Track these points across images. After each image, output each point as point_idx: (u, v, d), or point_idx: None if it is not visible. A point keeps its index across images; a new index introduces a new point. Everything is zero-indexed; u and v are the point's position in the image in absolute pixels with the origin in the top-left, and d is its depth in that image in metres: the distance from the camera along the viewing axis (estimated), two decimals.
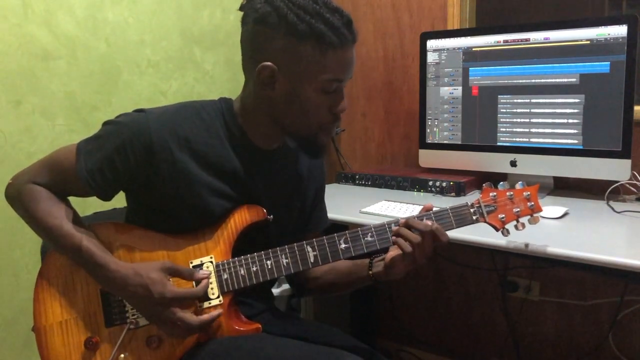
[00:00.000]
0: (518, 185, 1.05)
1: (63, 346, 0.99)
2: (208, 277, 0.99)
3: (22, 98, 1.48)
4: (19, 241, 1.49)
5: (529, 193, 1.04)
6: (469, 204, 1.02)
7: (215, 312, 0.98)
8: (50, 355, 0.99)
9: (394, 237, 0.98)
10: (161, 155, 0.98)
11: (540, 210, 1.04)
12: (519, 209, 1.03)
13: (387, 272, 1.04)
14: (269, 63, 0.94)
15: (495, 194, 1.04)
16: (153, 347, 0.98)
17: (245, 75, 1.03)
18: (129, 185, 1.02)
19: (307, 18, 0.92)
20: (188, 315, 0.95)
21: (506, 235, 1.02)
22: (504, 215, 1.02)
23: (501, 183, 1.05)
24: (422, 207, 1.03)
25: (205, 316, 0.97)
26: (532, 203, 1.03)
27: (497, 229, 1.02)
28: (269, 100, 0.99)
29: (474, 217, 1.02)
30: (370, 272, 1.07)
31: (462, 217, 1.01)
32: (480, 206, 1.02)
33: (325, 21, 0.92)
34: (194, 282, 0.99)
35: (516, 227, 1.03)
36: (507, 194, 1.03)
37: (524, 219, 1.04)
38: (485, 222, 1.02)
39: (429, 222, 0.97)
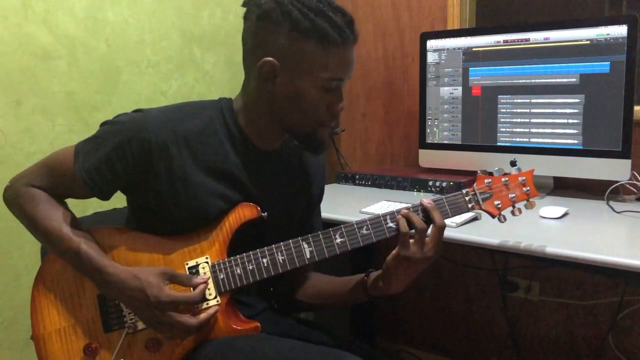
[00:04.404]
0: (513, 171, 1.03)
1: (62, 353, 0.99)
2: (206, 282, 0.99)
3: (22, 98, 1.47)
4: (19, 242, 1.48)
5: (524, 178, 1.02)
6: (464, 191, 1.01)
7: (212, 310, 0.98)
8: None
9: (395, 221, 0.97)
10: (159, 155, 0.97)
11: (536, 194, 1.02)
12: (514, 195, 1.01)
13: (384, 281, 1.00)
14: (270, 58, 0.95)
15: (490, 180, 1.02)
16: (152, 350, 0.98)
17: (245, 71, 1.03)
18: (127, 184, 1.02)
19: (311, 15, 0.92)
20: (185, 317, 0.94)
21: (502, 222, 1.01)
22: (499, 202, 1.01)
23: (496, 169, 1.03)
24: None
25: (202, 315, 0.96)
26: (528, 188, 1.02)
27: (493, 216, 1.01)
28: (269, 95, 0.99)
29: (470, 205, 1.01)
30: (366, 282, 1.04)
31: (458, 206, 1.00)
32: (475, 193, 1.01)
33: (329, 19, 0.93)
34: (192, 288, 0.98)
35: (513, 213, 1.02)
36: (502, 179, 1.02)
37: (520, 205, 1.02)
38: (480, 209, 1.01)
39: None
